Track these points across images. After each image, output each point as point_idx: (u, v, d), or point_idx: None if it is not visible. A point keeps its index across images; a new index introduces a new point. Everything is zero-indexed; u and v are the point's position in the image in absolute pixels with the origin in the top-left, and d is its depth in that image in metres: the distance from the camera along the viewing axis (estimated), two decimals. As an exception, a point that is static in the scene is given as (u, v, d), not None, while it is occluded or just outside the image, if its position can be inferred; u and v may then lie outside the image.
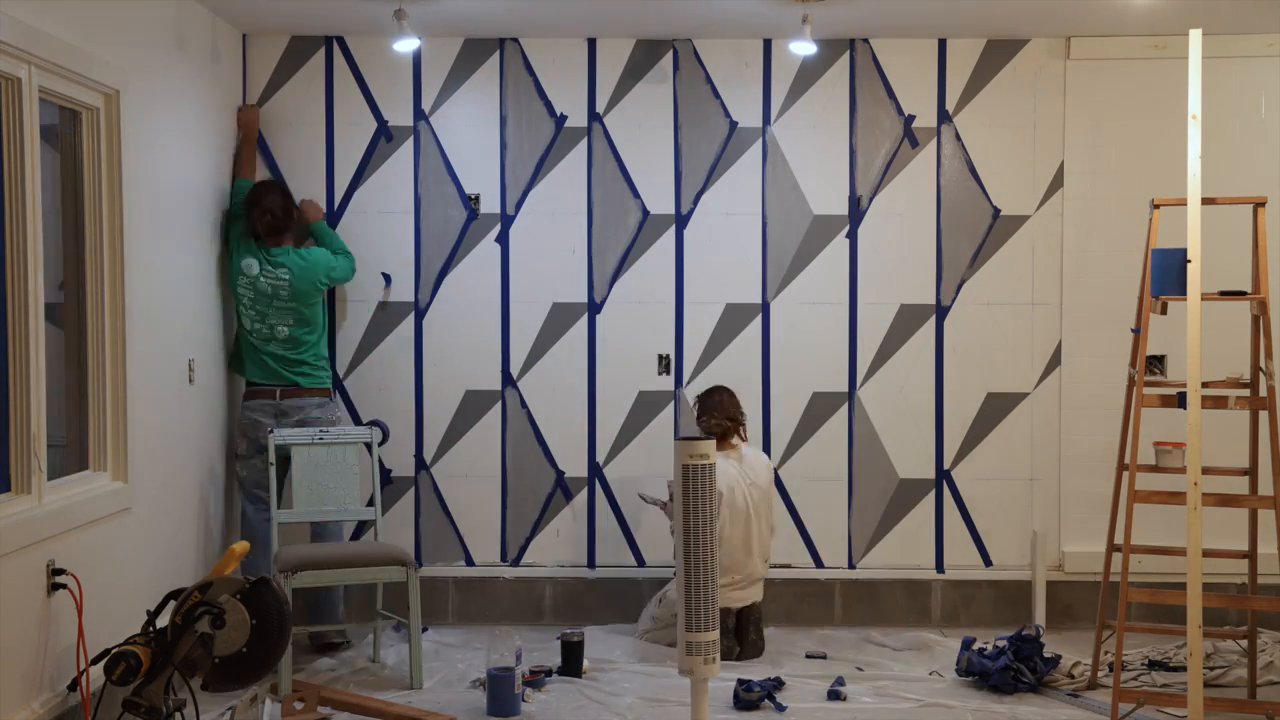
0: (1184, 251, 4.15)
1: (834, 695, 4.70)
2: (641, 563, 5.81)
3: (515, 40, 5.74)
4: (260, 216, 5.35)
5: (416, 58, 5.72)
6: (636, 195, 5.76)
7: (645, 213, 5.76)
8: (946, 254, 5.77)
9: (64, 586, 3.92)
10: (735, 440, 5.37)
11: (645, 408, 5.79)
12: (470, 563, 5.80)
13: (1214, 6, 5.14)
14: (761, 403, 5.80)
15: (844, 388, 5.79)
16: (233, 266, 5.37)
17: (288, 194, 5.51)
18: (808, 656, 5.11)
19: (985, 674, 4.77)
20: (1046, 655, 4.85)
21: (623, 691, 4.74)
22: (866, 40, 5.73)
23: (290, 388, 5.36)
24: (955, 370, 5.79)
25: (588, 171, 5.76)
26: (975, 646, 4.92)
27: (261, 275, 5.33)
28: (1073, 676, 4.84)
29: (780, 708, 4.56)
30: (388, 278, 5.71)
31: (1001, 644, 4.88)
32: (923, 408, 5.78)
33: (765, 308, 5.79)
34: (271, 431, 5.14)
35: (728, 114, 5.76)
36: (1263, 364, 4.38)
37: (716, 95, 5.76)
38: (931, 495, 5.79)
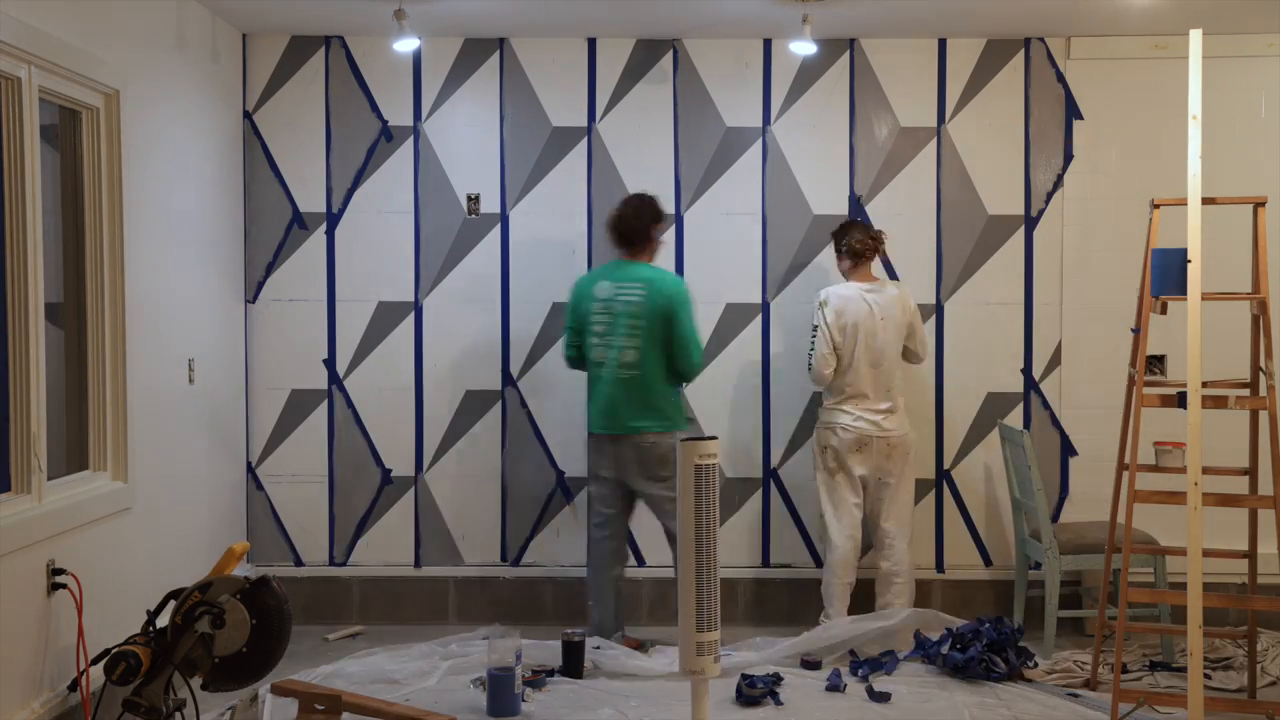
0: (1184, 251, 4.14)
1: (833, 687, 4.74)
2: (641, 562, 5.81)
3: (515, 40, 5.74)
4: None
5: (416, 58, 5.73)
6: (636, 195, 5.76)
7: (645, 213, 5.76)
8: (946, 254, 5.77)
9: (64, 586, 3.92)
10: (873, 269, 5.39)
11: (645, 408, 5.78)
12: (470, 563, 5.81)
13: (1214, 6, 5.15)
14: (761, 403, 5.80)
15: (844, 388, 5.79)
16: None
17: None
18: (803, 664, 5.08)
19: (957, 666, 4.85)
20: (1020, 646, 4.91)
21: (623, 691, 4.74)
22: (866, 40, 5.74)
23: None
24: (955, 370, 5.79)
25: (588, 171, 5.76)
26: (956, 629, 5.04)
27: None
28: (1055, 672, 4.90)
29: (781, 703, 4.57)
30: None
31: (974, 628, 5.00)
32: (923, 408, 5.78)
33: (765, 307, 5.79)
34: None
35: (727, 114, 5.76)
36: (1263, 364, 4.38)
37: (716, 95, 5.76)
38: (931, 495, 5.79)
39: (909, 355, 5.38)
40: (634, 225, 5.17)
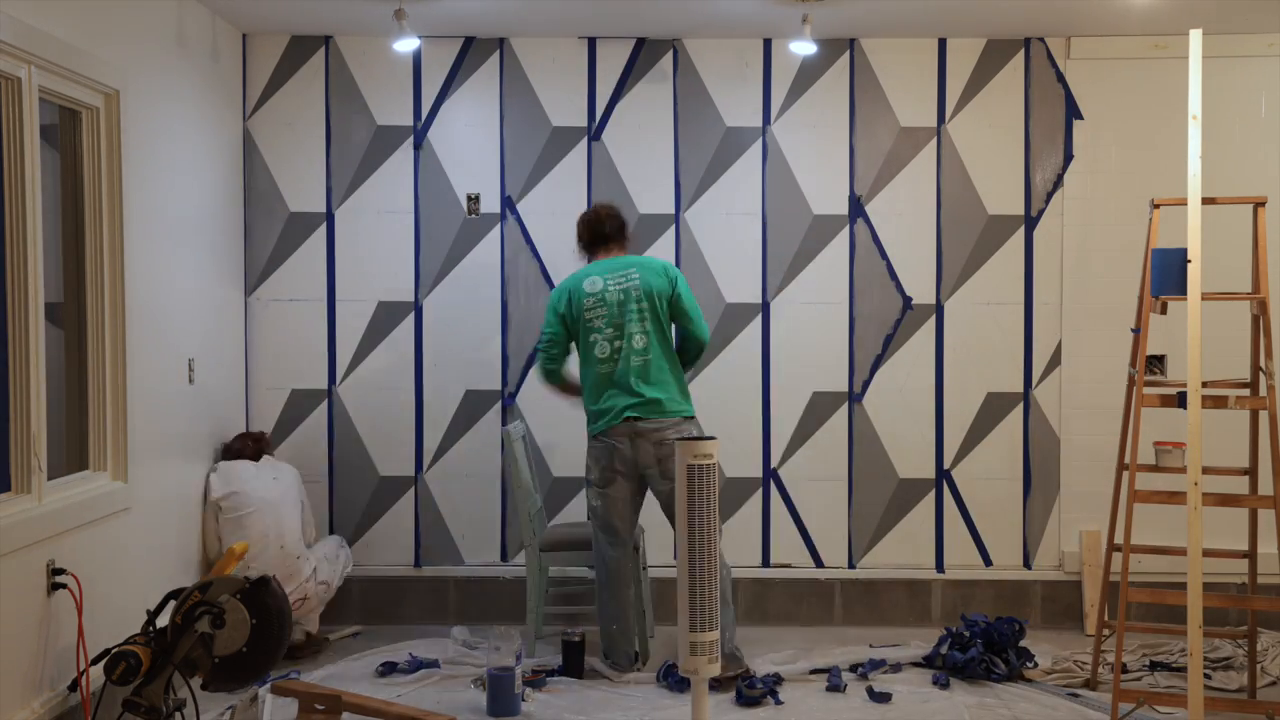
0: (1184, 251, 4.15)
1: (833, 687, 4.75)
2: (641, 563, 5.80)
3: (515, 40, 5.74)
4: None
5: (416, 57, 5.72)
6: (636, 195, 5.76)
7: (645, 212, 5.76)
8: (946, 254, 5.77)
9: (64, 586, 3.92)
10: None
11: (645, 408, 5.78)
12: (468, 562, 5.81)
13: (1214, 6, 5.15)
14: (761, 403, 5.80)
15: (844, 388, 5.79)
16: None
17: None
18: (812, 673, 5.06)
19: (956, 666, 4.86)
20: (1021, 647, 4.91)
21: (624, 691, 4.74)
22: (866, 40, 5.73)
23: None
24: (955, 370, 5.79)
25: (588, 171, 5.76)
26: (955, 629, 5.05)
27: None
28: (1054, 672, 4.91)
29: (781, 703, 4.58)
30: None
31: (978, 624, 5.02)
32: (923, 408, 5.78)
33: (765, 308, 5.79)
34: None
35: (727, 114, 5.76)
36: (1263, 364, 4.38)
37: (716, 95, 5.76)
38: (931, 495, 5.78)
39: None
40: None
